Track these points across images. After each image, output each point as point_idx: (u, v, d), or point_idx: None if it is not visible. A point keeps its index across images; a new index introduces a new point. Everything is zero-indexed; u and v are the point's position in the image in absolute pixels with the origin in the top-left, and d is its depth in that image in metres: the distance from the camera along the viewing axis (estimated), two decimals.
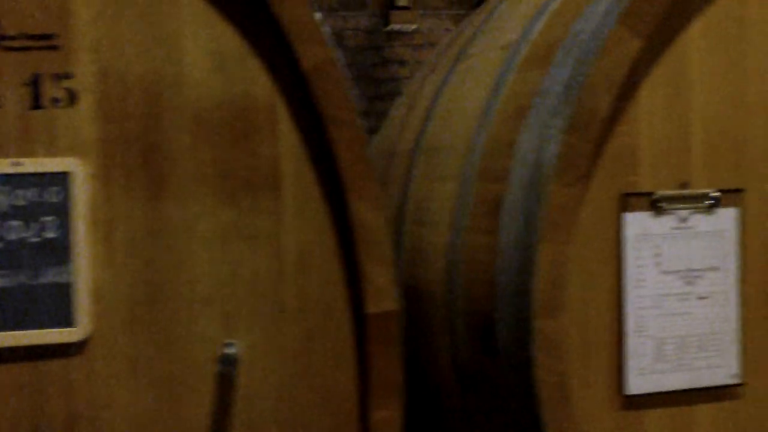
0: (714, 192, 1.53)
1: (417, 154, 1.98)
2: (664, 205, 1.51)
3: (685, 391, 1.54)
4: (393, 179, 2.13)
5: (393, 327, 1.36)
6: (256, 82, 1.37)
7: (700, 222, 1.53)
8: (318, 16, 1.31)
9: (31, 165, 1.29)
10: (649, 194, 1.50)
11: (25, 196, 1.30)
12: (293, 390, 1.39)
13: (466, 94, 1.82)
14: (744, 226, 1.55)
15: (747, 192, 1.55)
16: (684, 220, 1.52)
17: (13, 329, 1.29)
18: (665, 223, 1.51)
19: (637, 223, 1.50)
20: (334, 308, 1.39)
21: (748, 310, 1.56)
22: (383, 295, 1.36)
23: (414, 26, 3.48)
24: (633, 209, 1.49)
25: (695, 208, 1.52)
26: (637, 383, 1.51)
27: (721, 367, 1.56)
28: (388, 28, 3.51)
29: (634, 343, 1.51)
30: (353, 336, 1.39)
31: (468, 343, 1.62)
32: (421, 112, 2.08)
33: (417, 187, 1.95)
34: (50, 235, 1.31)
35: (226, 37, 1.37)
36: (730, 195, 1.54)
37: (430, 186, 1.87)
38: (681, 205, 1.52)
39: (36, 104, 1.30)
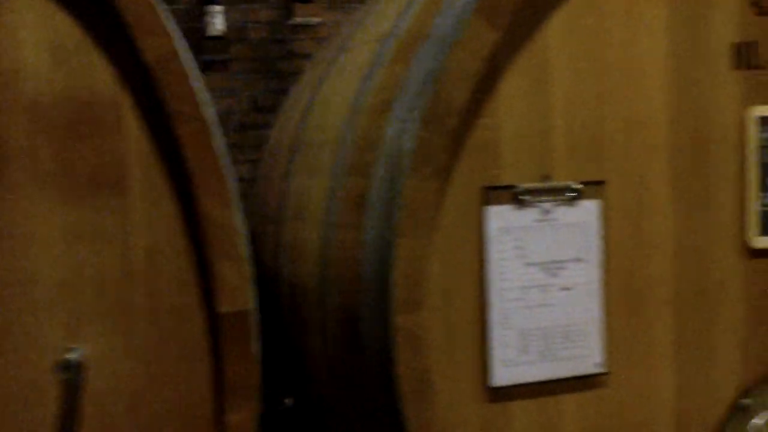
0: (576, 184, 1.53)
1: (296, 149, 1.94)
2: (526, 198, 1.50)
3: (550, 381, 1.54)
4: (276, 174, 2.09)
5: (247, 326, 1.32)
6: (99, 76, 1.30)
7: (563, 214, 1.53)
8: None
9: None
10: (512, 187, 1.49)
11: None
12: (146, 394, 1.34)
13: (341, 87, 1.79)
14: (605, 218, 1.56)
15: (608, 184, 1.55)
16: (547, 212, 1.52)
17: None
18: (528, 216, 1.51)
19: (499, 217, 1.48)
20: (187, 309, 1.34)
21: (611, 300, 1.57)
22: (236, 294, 1.31)
23: (318, 19, 3.43)
24: (496, 202, 1.48)
25: (558, 200, 1.52)
26: (502, 375, 1.51)
27: (585, 356, 1.56)
28: (293, 21, 3.46)
29: (498, 335, 1.50)
30: (207, 337, 1.34)
31: (338, 340, 1.59)
32: (302, 106, 2.03)
33: (296, 183, 1.91)
34: None
35: (66, 30, 1.30)
36: (592, 187, 1.54)
37: (307, 181, 1.83)
38: (543, 198, 1.51)
39: None
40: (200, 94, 1.28)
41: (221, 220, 1.29)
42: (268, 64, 3.45)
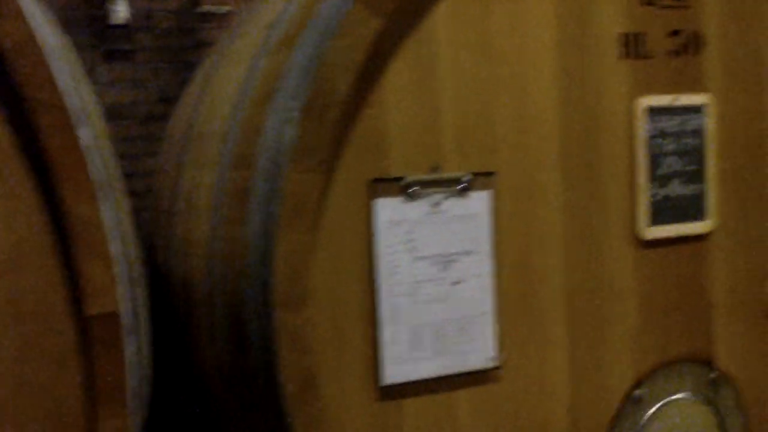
0: (466, 175, 1.50)
1: (188, 140, 1.86)
2: (415, 189, 1.46)
3: (443, 377, 1.51)
4: (170, 167, 2.00)
5: (116, 329, 1.24)
6: None
7: (453, 206, 1.49)
8: None
9: None
10: (400, 179, 1.45)
11: None
12: (12, 402, 1.25)
13: (230, 75, 1.71)
14: (496, 209, 1.53)
15: (498, 175, 1.53)
16: (437, 204, 1.48)
17: None
18: (418, 209, 1.47)
19: (388, 209, 1.44)
20: (54, 311, 1.25)
21: (503, 293, 1.54)
22: (104, 295, 1.23)
23: (228, 7, 3.33)
24: (384, 195, 1.43)
25: (448, 192, 1.48)
26: (393, 373, 1.47)
27: (478, 351, 1.53)
28: (201, 9, 3.34)
29: (388, 332, 1.45)
30: (76, 341, 1.26)
31: (226, 340, 1.53)
32: (195, 96, 1.95)
33: (187, 176, 1.82)
34: None
35: None
36: (482, 178, 1.51)
37: (196, 174, 1.76)
38: (433, 190, 1.47)
39: None
40: (65, 81, 1.19)
41: (86, 217, 1.21)
42: (175, 54, 3.33)
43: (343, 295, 1.42)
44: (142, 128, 3.28)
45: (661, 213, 1.68)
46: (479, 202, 1.50)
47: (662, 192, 1.68)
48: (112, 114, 3.25)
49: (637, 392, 1.70)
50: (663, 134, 1.67)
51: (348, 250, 1.41)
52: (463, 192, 1.49)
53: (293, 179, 1.29)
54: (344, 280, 1.41)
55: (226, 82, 1.73)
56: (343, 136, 1.38)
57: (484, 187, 1.51)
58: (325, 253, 1.39)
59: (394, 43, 1.41)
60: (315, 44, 1.32)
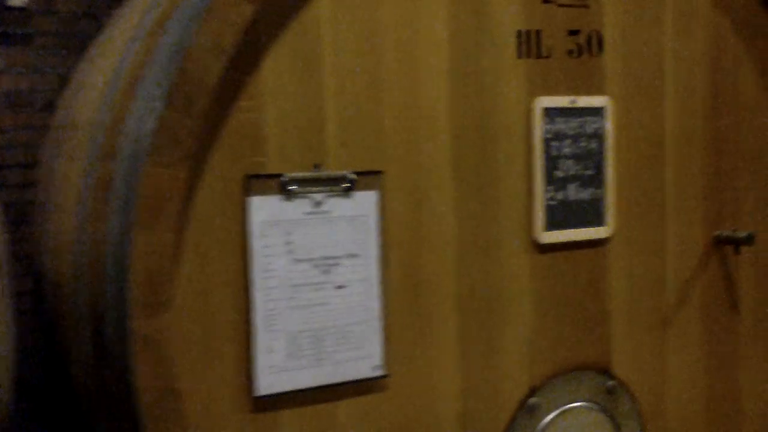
0: (350, 174, 1.40)
1: (63, 130, 1.72)
2: (295, 188, 1.36)
3: (324, 387, 1.41)
4: (46, 158, 1.85)
5: None
6: None
7: (337, 206, 1.40)
8: None
9: None
10: (278, 176, 1.34)
11: None
12: None
13: (105, 63, 1.58)
14: (384, 210, 1.44)
15: (386, 174, 1.44)
16: (318, 204, 1.38)
17: None
18: (297, 208, 1.37)
19: (265, 208, 1.34)
20: None
21: (391, 298, 1.46)
22: None
23: None
24: (260, 193, 1.33)
25: (330, 191, 1.39)
26: (268, 383, 1.36)
27: (363, 359, 1.44)
28: None
29: (263, 338, 1.35)
30: None
31: (89, 346, 1.40)
32: (76, 83, 1.81)
33: (60, 168, 1.68)
34: None
35: None
36: (368, 177, 1.42)
37: (68, 166, 1.62)
38: (314, 189, 1.38)
39: None
40: None
41: None
42: (77, 39, 3.15)
43: (215, 300, 1.30)
44: (42, 116, 3.09)
45: (558, 217, 1.62)
46: (365, 202, 1.41)
47: (559, 196, 1.62)
48: (9, 101, 3.05)
49: (532, 400, 1.64)
50: (561, 136, 1.61)
51: (220, 251, 1.30)
52: (347, 192, 1.39)
53: (152, 174, 1.17)
54: (215, 283, 1.30)
55: (101, 68, 1.59)
56: (214, 128, 1.27)
57: (370, 187, 1.42)
58: (193, 255, 1.28)
59: (273, 31, 1.30)
60: (183, 28, 1.21)
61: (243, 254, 1.32)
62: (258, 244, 1.32)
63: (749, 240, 1.77)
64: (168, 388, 1.22)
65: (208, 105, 1.20)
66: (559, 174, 1.61)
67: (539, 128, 1.57)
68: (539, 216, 1.59)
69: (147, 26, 1.40)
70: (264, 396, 1.35)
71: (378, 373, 1.45)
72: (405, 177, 1.44)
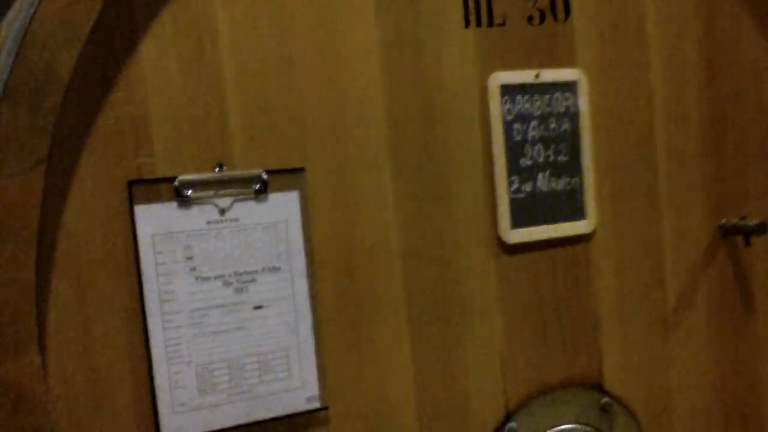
0: (261, 173, 1.15)
1: None
2: (192, 193, 1.11)
3: (249, 426, 1.16)
4: None
5: None
6: None
7: (248, 212, 1.14)
8: None
9: None
10: (170, 180, 1.10)
11: None
12: None
13: None
14: (308, 214, 1.19)
15: (309, 172, 1.19)
16: (224, 211, 1.14)
17: None
18: (198, 217, 1.12)
19: (155, 219, 1.09)
20: None
21: (324, 317, 1.20)
22: None
23: None
24: (148, 201, 1.08)
25: (238, 194, 1.14)
26: (176, 425, 1.12)
27: (294, 390, 1.19)
28: None
29: (165, 374, 1.10)
30: None
31: None
32: None
33: None
34: None
35: None
36: (286, 176, 1.16)
37: None
38: (217, 192, 1.13)
39: None
40: None
41: None
42: None
43: (100, 332, 1.06)
44: None
45: (527, 212, 1.34)
46: (283, 206, 1.16)
47: (527, 187, 1.34)
48: None
49: (510, 426, 1.36)
50: (525, 117, 1.33)
51: (103, 273, 1.06)
52: (260, 194, 1.14)
53: None
54: (100, 313, 1.06)
55: None
56: (80, 126, 1.03)
57: (288, 187, 1.16)
58: (67, 280, 1.04)
59: (152, 8, 1.06)
60: (27, 7, 0.97)
61: (133, 276, 1.08)
62: (149, 262, 1.08)
63: (761, 229, 1.47)
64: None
65: (61, 99, 0.96)
66: (526, 162, 1.34)
67: (497, 109, 1.30)
68: (504, 212, 1.32)
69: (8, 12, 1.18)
70: None
71: (314, 405, 1.19)
72: (332, 173, 1.18)
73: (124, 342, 1.07)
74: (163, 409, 1.09)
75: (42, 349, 1.01)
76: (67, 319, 1.04)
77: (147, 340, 1.08)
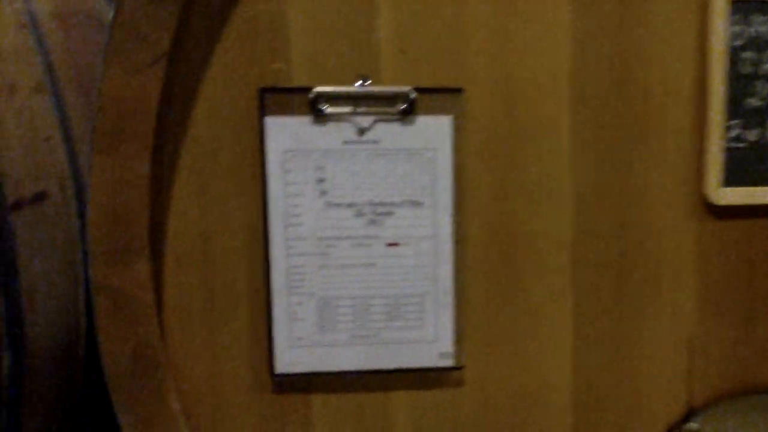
0: (412, 91, 0.96)
1: None
2: (329, 108, 0.96)
3: (369, 373, 1.02)
4: None
5: None
6: None
7: (391, 135, 0.97)
8: None
9: None
10: (306, 90, 0.95)
11: None
12: None
13: None
14: (462, 144, 0.98)
15: (468, 95, 0.97)
16: (363, 131, 0.97)
17: None
18: (333, 135, 0.96)
19: (287, 134, 0.95)
20: None
21: (468, 263, 1.01)
22: None
23: None
24: (280, 112, 0.95)
25: (382, 114, 0.96)
26: (291, 359, 1.00)
27: (426, 342, 1.02)
28: None
29: (284, 305, 0.99)
30: None
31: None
32: None
33: None
34: None
35: None
36: (439, 97, 0.97)
37: None
38: (357, 110, 0.96)
39: None
40: None
41: None
42: None
43: (221, 248, 0.97)
44: None
45: (746, 168, 1.02)
46: (433, 131, 0.97)
47: (750, 136, 1.02)
48: None
49: (690, 425, 1.10)
50: (759, 44, 1.01)
51: (228, 186, 0.95)
52: (407, 116, 0.96)
53: (109, 82, 0.85)
54: (222, 227, 0.96)
55: None
56: (210, 21, 0.91)
57: (441, 111, 0.97)
58: (191, 190, 0.95)
59: None
60: None
61: (259, 194, 0.96)
62: (278, 180, 0.95)
63: None
64: (141, 356, 0.92)
65: None
66: (754, 103, 1.02)
67: (720, 28, 0.99)
68: (714, 164, 1.02)
69: None
70: (286, 374, 0.99)
71: (447, 362, 1.02)
72: (495, 98, 0.96)
73: (244, 263, 0.97)
74: (279, 340, 0.98)
75: (157, 257, 0.94)
76: (187, 230, 0.95)
77: (268, 265, 0.96)
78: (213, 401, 0.99)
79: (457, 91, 0.96)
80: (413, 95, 0.95)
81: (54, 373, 1.14)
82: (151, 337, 0.92)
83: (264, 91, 0.93)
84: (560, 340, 1.03)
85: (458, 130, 0.96)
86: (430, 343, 1.00)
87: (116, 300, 0.90)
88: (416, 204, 0.97)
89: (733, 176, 1.02)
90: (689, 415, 1.09)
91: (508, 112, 0.97)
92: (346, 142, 0.95)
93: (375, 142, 0.95)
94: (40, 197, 1.12)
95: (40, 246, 1.13)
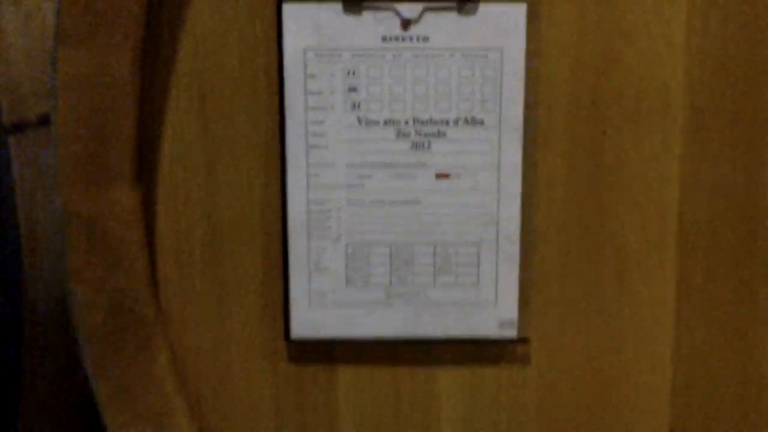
0: None
1: None
2: None
3: (412, 342, 0.79)
4: None
5: None
6: None
7: (444, 28, 0.73)
8: None
9: None
10: None
11: None
12: None
13: None
14: (539, 40, 0.73)
15: None
16: (408, 23, 0.73)
17: None
18: (369, 29, 0.73)
19: (310, 27, 0.72)
20: None
21: (543, 203, 0.76)
22: None
23: None
24: None
25: (433, 2, 0.72)
26: (310, 321, 0.77)
27: (483, 304, 0.78)
28: None
29: (304, 250, 0.76)
30: None
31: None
32: None
33: None
34: None
35: None
36: None
37: None
38: None
39: None
40: None
41: None
42: None
43: (228, 176, 0.75)
44: None
45: None
46: (501, 24, 0.72)
47: None
48: None
49: None
50: None
51: (236, 95, 0.73)
52: (466, 2, 0.72)
53: None
54: (228, 149, 0.74)
55: None
56: None
57: None
58: (191, 100, 0.73)
59: None
60: None
61: (274, 103, 0.74)
62: (297, 87, 0.72)
63: None
64: (119, 306, 0.71)
65: None
66: None
67: None
68: None
69: None
70: (304, 340, 0.77)
71: (509, 333, 0.78)
72: None
73: (255, 195, 0.75)
74: (296, 296, 0.75)
75: (147, 185, 0.73)
76: (186, 152, 0.73)
77: (284, 198, 0.74)
78: (215, 371, 0.77)
79: None
80: None
81: (56, 319, 0.96)
82: (134, 285, 0.71)
83: None
84: (660, 311, 0.78)
85: (534, 23, 0.71)
86: (488, 306, 0.76)
87: (89, 235, 0.69)
88: (475, 122, 0.73)
89: None
90: None
91: (603, 4, 0.72)
92: (386, 39, 0.71)
93: (424, 38, 0.71)
94: (45, 120, 0.94)
95: (43, 176, 0.95)
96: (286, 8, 0.70)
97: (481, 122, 0.73)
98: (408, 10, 0.71)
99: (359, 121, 0.73)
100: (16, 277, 0.95)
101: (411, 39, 0.71)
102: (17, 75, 0.94)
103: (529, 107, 0.72)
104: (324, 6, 0.71)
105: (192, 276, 0.76)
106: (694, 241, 0.75)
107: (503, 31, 0.71)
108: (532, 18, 0.71)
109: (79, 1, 0.65)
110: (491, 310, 0.76)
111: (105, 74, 0.67)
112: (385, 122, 0.73)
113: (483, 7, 0.71)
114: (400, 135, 0.73)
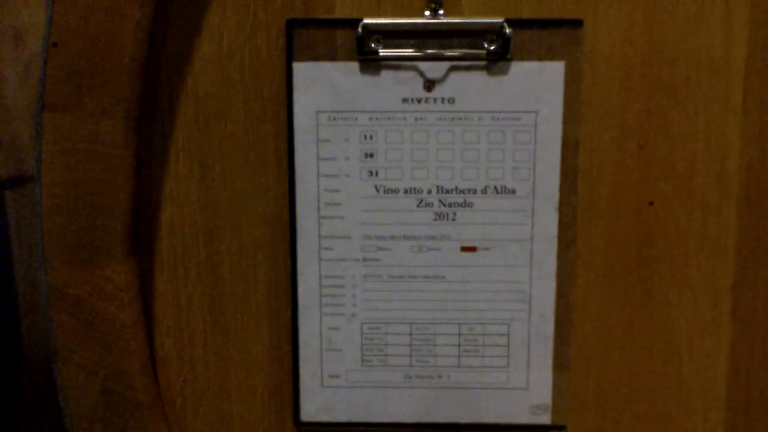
0: (505, 24, 0.62)
1: None
2: (383, 49, 0.63)
3: (435, 426, 0.70)
4: None
5: None
6: None
7: (471, 89, 0.63)
8: None
9: None
10: (352, 24, 0.63)
11: None
12: None
13: None
14: (578, 102, 0.64)
15: (590, 28, 0.63)
16: (432, 84, 0.64)
17: None
18: (389, 90, 0.64)
19: (323, 87, 0.63)
20: None
21: (583, 278, 0.67)
22: None
23: None
24: (314, 56, 0.63)
25: (460, 58, 0.63)
26: (321, 404, 0.69)
27: (514, 389, 0.69)
28: None
29: (317, 327, 0.67)
30: None
31: None
32: None
33: None
34: None
35: None
36: (547, 33, 0.63)
37: None
38: (425, 52, 0.63)
39: None
40: None
41: None
42: None
43: (231, 252, 0.66)
44: None
45: None
46: (535, 85, 0.63)
47: None
48: None
49: None
50: None
51: (242, 164, 0.65)
52: (497, 61, 0.62)
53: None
54: (233, 223, 0.66)
55: None
56: None
57: (550, 55, 0.63)
58: (186, 164, 0.64)
59: None
60: None
61: (286, 169, 0.65)
62: (309, 152, 0.64)
63: None
64: (115, 391, 0.62)
65: None
66: None
67: None
68: None
69: None
70: (314, 424, 0.68)
71: (543, 419, 0.68)
72: (632, 42, 0.62)
73: (262, 269, 0.66)
74: (306, 378, 0.67)
75: (142, 259, 0.64)
76: (185, 223, 0.65)
77: (294, 272, 0.65)
78: None
79: (575, 24, 0.61)
80: (508, 30, 0.61)
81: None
82: (128, 368, 0.62)
83: (293, 25, 0.61)
84: (711, 401, 0.68)
85: (573, 84, 0.62)
86: (520, 390, 0.67)
87: (78, 315, 0.60)
88: (506, 192, 0.64)
89: None
90: None
91: (651, 58, 0.62)
92: (407, 101, 0.62)
93: (450, 100, 0.62)
94: None
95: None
96: (297, 67, 0.61)
97: (513, 191, 0.63)
98: (432, 70, 0.61)
99: (377, 189, 0.64)
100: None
101: (435, 101, 0.62)
102: (16, 126, 0.86)
103: (566, 176, 0.63)
104: (339, 64, 0.61)
105: (193, 356, 0.67)
106: (752, 325, 0.66)
107: (538, 92, 0.62)
108: (571, 77, 0.61)
109: (64, 62, 0.57)
110: (522, 394, 0.67)
111: (94, 142, 0.58)
112: (406, 191, 0.64)
113: (515, 66, 0.61)
114: (422, 205, 0.64)
